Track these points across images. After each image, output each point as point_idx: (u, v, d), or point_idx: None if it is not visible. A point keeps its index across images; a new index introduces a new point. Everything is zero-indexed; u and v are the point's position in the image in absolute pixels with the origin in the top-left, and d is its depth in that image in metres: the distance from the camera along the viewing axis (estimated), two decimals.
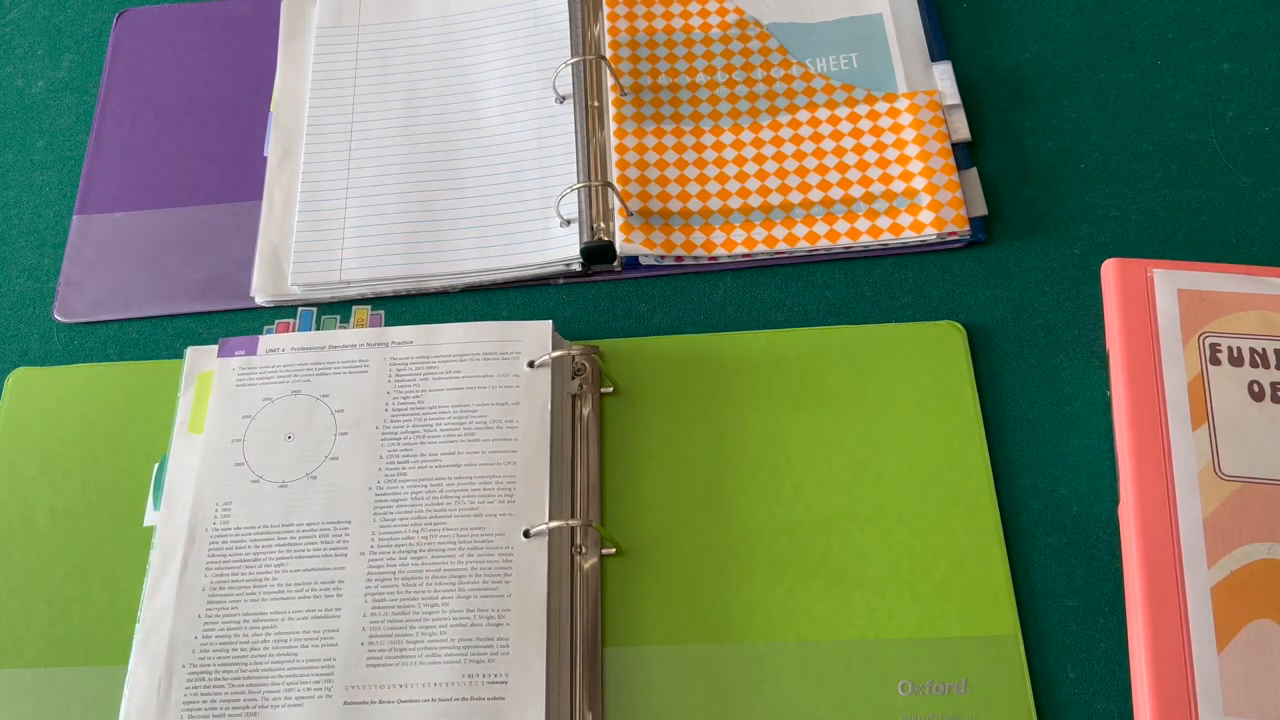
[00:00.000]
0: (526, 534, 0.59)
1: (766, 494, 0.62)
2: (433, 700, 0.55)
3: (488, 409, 0.62)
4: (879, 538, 0.60)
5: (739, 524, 0.61)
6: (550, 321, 0.65)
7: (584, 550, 0.60)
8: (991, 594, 0.59)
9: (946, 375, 0.65)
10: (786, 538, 0.61)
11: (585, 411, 0.64)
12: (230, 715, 0.56)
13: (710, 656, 0.58)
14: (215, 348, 0.66)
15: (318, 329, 0.67)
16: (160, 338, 0.70)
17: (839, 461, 0.63)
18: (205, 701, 0.56)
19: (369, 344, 0.65)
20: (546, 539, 0.59)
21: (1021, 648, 0.57)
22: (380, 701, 0.55)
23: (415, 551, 0.59)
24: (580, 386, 0.65)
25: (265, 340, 0.66)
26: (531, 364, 0.64)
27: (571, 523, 0.59)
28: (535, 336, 0.65)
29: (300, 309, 0.70)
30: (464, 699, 0.55)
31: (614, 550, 0.61)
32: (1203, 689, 0.53)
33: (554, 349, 0.64)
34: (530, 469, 0.61)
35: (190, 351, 0.67)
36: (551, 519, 0.59)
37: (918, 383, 0.65)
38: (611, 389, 0.65)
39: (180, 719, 0.56)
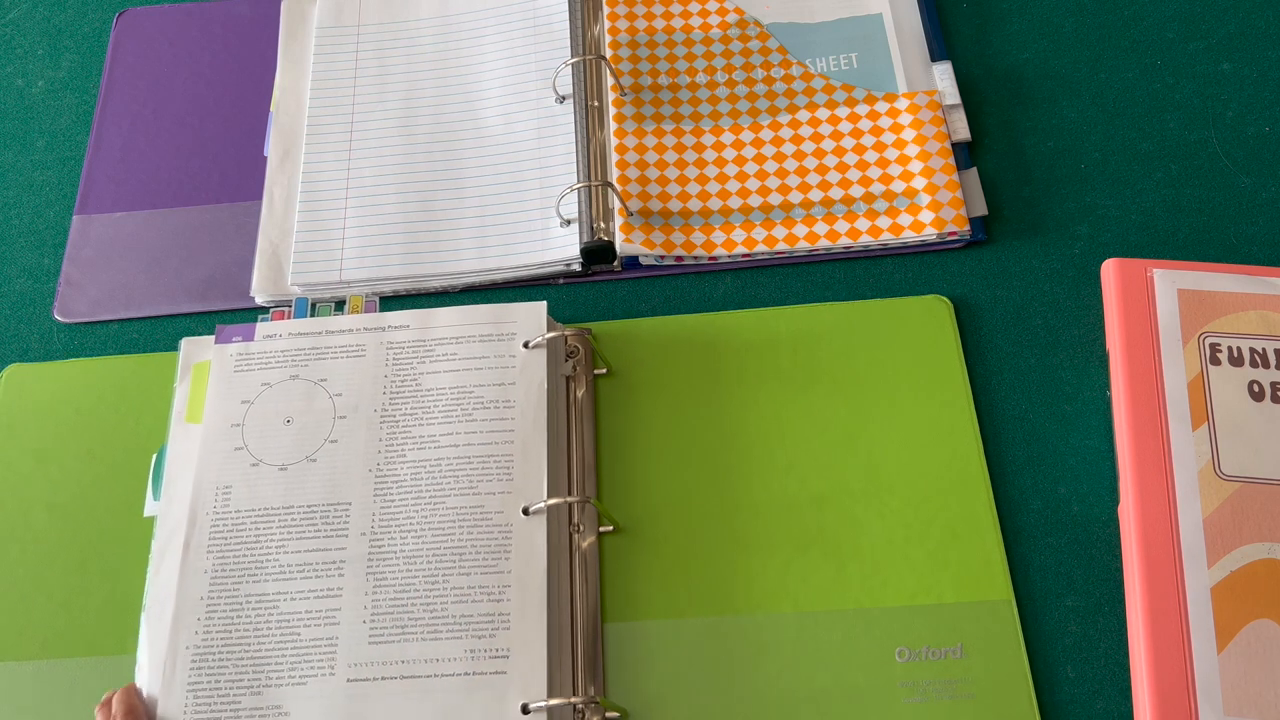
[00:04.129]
0: (525, 511, 0.59)
1: (761, 469, 0.62)
2: (435, 676, 0.56)
3: (484, 390, 0.63)
4: (872, 508, 0.61)
5: (734, 499, 0.62)
6: (544, 303, 0.65)
7: (582, 528, 0.61)
8: (984, 560, 0.59)
9: (934, 347, 0.66)
10: (781, 511, 0.61)
11: (579, 393, 0.65)
12: (235, 694, 0.56)
13: (709, 629, 0.58)
14: (210, 338, 0.66)
15: (313, 315, 0.67)
16: (160, 337, 0.70)
17: (831, 435, 0.63)
18: (210, 681, 0.56)
19: (365, 328, 0.65)
20: (545, 516, 0.59)
21: (1015, 611, 0.58)
22: (383, 678, 0.56)
23: (416, 531, 0.59)
24: (574, 368, 0.65)
25: (262, 326, 0.66)
26: (527, 344, 0.64)
27: (569, 499, 0.60)
28: (530, 317, 0.65)
29: (295, 296, 0.70)
30: (466, 674, 0.55)
31: (612, 528, 0.61)
32: (1203, 689, 0.53)
33: (548, 330, 0.65)
34: (528, 448, 0.61)
35: (185, 342, 0.67)
36: (549, 497, 0.60)
37: (906, 356, 0.65)
38: (605, 370, 0.66)
39: (185, 699, 0.56)
